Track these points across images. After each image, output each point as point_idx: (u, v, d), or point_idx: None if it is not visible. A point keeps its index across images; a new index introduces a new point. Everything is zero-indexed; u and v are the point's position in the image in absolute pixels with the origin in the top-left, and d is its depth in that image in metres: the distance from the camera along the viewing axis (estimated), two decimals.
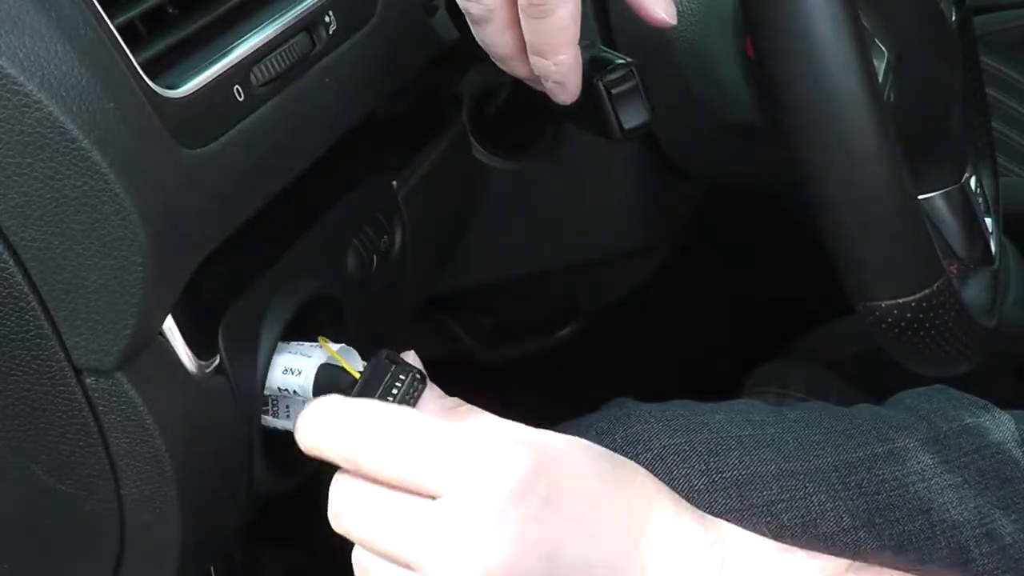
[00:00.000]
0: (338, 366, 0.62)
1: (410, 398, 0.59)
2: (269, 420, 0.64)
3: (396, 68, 0.73)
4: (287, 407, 0.64)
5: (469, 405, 0.60)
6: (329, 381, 0.61)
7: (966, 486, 0.79)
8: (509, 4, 0.65)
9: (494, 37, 0.67)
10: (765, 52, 0.69)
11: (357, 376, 0.60)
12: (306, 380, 0.62)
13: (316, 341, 0.64)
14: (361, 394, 0.59)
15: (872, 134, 0.68)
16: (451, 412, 0.60)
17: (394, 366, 0.60)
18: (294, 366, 0.63)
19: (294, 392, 0.63)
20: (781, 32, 0.68)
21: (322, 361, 0.62)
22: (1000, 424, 0.84)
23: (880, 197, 0.69)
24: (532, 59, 0.67)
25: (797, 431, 0.80)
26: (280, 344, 0.63)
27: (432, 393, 0.61)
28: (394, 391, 0.59)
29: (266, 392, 0.63)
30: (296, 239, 0.67)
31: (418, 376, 0.60)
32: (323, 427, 0.57)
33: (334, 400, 0.57)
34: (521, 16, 0.65)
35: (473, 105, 0.89)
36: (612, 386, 0.99)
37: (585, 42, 0.84)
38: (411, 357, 0.62)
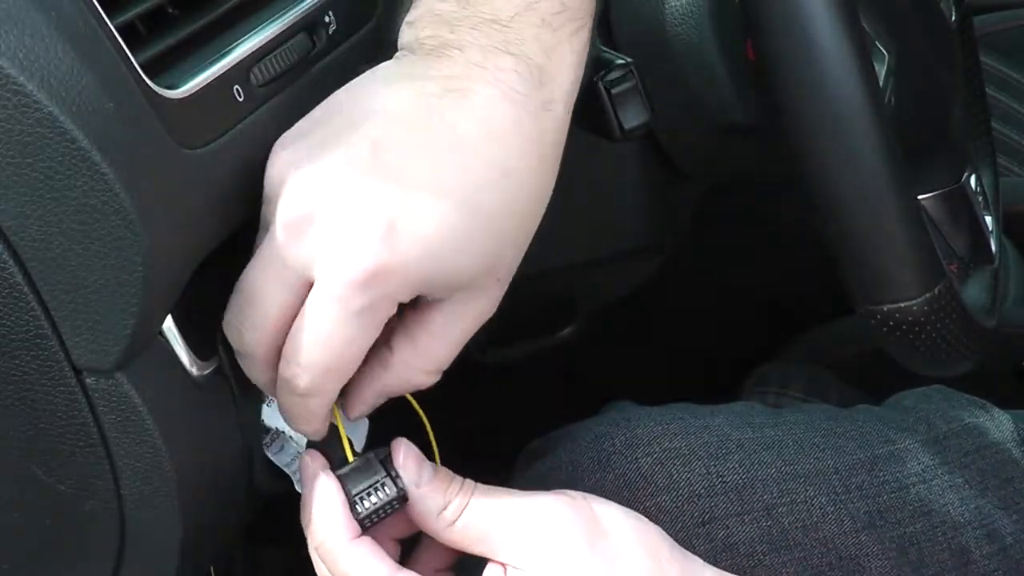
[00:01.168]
0: (336, 432, 0.63)
1: (382, 511, 0.60)
2: (267, 451, 0.65)
3: None
4: (282, 446, 0.65)
5: (472, 509, 0.61)
6: (322, 444, 0.62)
7: (967, 487, 0.79)
8: (268, 348, 0.59)
9: (251, 371, 0.60)
10: (766, 56, 0.69)
11: (350, 458, 0.62)
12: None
13: None
14: (342, 479, 0.61)
15: (873, 139, 0.68)
16: (447, 531, 0.61)
17: (385, 476, 0.60)
18: None
19: (290, 437, 0.63)
20: (782, 36, 0.68)
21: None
22: (999, 424, 0.84)
23: (881, 202, 0.69)
24: (283, 406, 0.61)
25: (797, 433, 0.80)
26: None
27: (431, 502, 0.61)
28: (370, 499, 0.60)
29: (266, 422, 0.64)
30: None
31: (400, 492, 0.60)
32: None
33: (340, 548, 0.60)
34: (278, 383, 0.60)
35: None
36: (612, 386, 0.99)
37: None
38: (403, 447, 0.62)
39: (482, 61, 0.58)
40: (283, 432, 0.64)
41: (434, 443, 0.68)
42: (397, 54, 0.61)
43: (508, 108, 0.58)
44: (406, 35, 0.61)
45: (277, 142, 0.59)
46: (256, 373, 0.60)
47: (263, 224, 0.58)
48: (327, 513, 0.60)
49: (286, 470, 0.65)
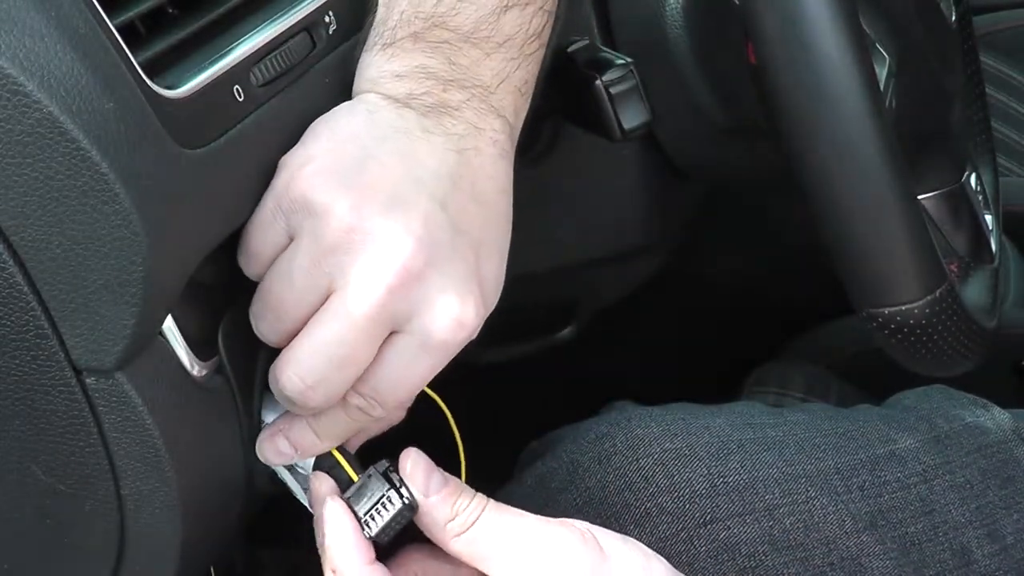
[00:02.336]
0: (342, 452, 0.63)
1: (393, 524, 0.60)
2: (278, 469, 0.65)
3: None
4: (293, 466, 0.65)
5: (480, 525, 0.61)
6: (329, 466, 0.63)
7: (968, 486, 0.79)
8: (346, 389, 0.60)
9: (313, 407, 0.60)
10: (766, 59, 0.69)
11: (355, 478, 0.62)
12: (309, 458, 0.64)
13: None
14: (349, 502, 0.61)
15: (873, 143, 0.68)
16: (453, 542, 0.61)
17: (388, 488, 0.61)
18: None
19: (296, 465, 0.64)
20: (782, 40, 0.67)
21: None
22: (1000, 423, 0.84)
23: (882, 206, 0.69)
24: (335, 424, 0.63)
25: (798, 434, 0.80)
26: None
27: (438, 512, 0.61)
28: (380, 516, 0.60)
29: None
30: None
31: (406, 502, 0.60)
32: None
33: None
34: (347, 407, 0.61)
35: None
36: (612, 386, 0.99)
37: (585, 42, 0.84)
38: (412, 456, 0.62)
39: (478, 122, 0.62)
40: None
41: (458, 438, 0.69)
42: (380, 99, 0.62)
43: (504, 165, 0.63)
44: (394, 86, 0.62)
45: (298, 162, 0.59)
46: (320, 406, 0.60)
47: (296, 248, 0.58)
48: (339, 539, 0.60)
49: (291, 487, 0.65)
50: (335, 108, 0.62)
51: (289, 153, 0.60)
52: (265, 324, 0.60)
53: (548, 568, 0.60)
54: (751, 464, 0.77)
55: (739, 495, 0.76)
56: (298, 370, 0.58)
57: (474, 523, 0.61)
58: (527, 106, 0.66)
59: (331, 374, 0.58)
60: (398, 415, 0.66)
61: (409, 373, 0.60)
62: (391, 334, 0.59)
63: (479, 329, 0.60)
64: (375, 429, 0.66)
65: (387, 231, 0.57)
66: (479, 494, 0.62)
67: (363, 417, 0.61)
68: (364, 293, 0.57)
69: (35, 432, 0.56)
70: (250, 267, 0.60)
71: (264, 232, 0.59)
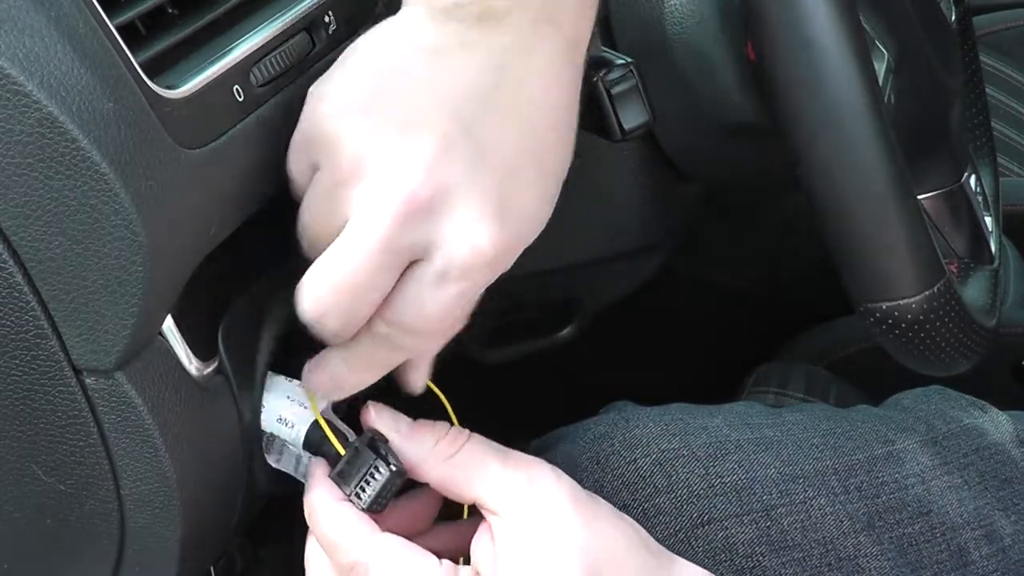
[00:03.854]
0: (330, 428, 0.63)
1: (385, 494, 0.61)
2: (269, 460, 0.65)
3: None
4: (281, 450, 0.65)
5: (468, 446, 0.61)
6: (318, 442, 0.63)
7: (965, 487, 0.79)
8: (363, 322, 0.59)
9: (329, 339, 0.60)
10: (766, 56, 0.69)
11: (342, 452, 0.62)
12: (297, 435, 0.63)
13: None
14: (338, 478, 0.61)
15: (873, 139, 0.68)
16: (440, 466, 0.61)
17: (375, 458, 0.61)
18: (288, 416, 0.64)
19: (285, 440, 0.64)
20: (782, 37, 0.68)
21: (314, 418, 0.63)
22: (998, 424, 0.84)
23: (880, 200, 0.69)
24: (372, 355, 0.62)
25: (796, 434, 0.80)
26: (277, 380, 0.64)
27: (422, 440, 0.62)
28: (369, 483, 0.60)
29: (263, 428, 0.64)
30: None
31: (394, 469, 0.60)
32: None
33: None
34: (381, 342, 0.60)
35: None
36: (612, 386, 0.99)
37: None
38: (371, 408, 0.62)
39: (530, 33, 0.58)
40: (276, 436, 0.64)
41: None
42: (425, 11, 0.59)
43: (556, 80, 0.60)
44: None
45: (320, 91, 0.58)
46: (337, 332, 0.59)
47: (316, 178, 0.58)
48: (332, 519, 0.61)
49: (294, 474, 0.65)
50: (375, 27, 0.59)
51: (316, 82, 0.59)
52: (305, 242, 0.60)
53: (534, 493, 0.60)
54: (749, 464, 0.77)
55: (737, 495, 0.76)
56: (309, 297, 0.58)
57: (461, 447, 0.61)
58: (591, 22, 0.62)
59: (342, 303, 0.57)
60: (434, 344, 0.63)
61: (432, 300, 0.57)
62: (413, 262, 0.57)
63: (505, 260, 0.58)
64: (409, 366, 0.64)
65: (396, 158, 0.56)
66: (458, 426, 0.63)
67: (391, 346, 0.59)
68: (370, 224, 0.56)
69: (35, 432, 0.56)
70: (293, 190, 0.60)
71: (294, 162, 0.59)
